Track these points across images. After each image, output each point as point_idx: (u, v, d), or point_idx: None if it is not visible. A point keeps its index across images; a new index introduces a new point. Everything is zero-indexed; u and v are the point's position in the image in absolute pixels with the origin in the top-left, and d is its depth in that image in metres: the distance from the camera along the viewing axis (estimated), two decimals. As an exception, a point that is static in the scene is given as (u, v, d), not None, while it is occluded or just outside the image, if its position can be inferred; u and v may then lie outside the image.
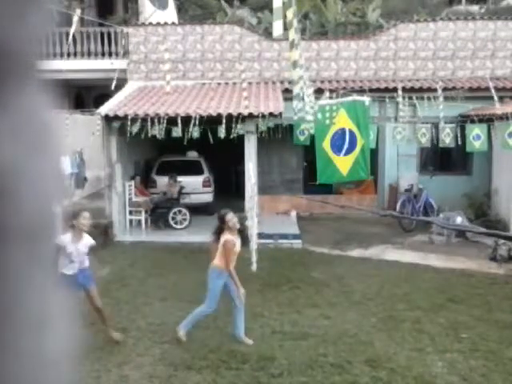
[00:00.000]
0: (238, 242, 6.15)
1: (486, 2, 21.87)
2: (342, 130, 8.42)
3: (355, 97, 9.04)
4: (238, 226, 6.17)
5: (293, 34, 4.77)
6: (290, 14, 4.20)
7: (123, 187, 12.39)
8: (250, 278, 7.57)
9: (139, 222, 12.79)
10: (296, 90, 5.50)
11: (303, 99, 6.71)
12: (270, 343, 6.17)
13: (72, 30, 8.14)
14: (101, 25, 14.50)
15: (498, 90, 13.16)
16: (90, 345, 5.94)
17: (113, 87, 11.91)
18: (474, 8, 21.27)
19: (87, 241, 5.89)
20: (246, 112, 11.04)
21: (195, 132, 11.18)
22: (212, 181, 14.13)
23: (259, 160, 12.57)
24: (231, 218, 6.06)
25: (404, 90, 12.64)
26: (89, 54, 14.79)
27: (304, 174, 14.90)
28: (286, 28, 15.66)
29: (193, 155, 14.36)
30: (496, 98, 11.09)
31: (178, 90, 13.73)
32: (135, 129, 11.24)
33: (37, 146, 0.43)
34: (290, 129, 12.18)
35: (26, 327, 0.42)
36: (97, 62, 14.70)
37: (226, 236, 6.03)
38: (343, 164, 8.54)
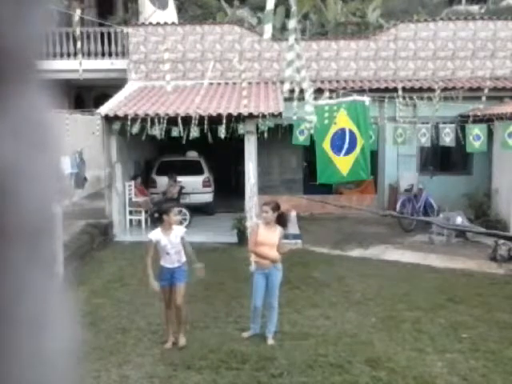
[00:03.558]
0: (264, 230, 6.18)
1: (486, 2, 21.86)
2: (342, 130, 8.41)
3: (355, 97, 9.02)
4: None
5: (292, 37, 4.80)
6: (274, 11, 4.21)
7: (123, 187, 12.39)
8: (249, 277, 7.57)
9: (139, 221, 12.79)
10: (285, 88, 5.54)
11: (298, 99, 6.71)
12: (270, 343, 6.17)
13: (77, 31, 8.13)
14: (101, 25, 14.50)
15: (498, 90, 13.19)
16: (90, 345, 5.95)
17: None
18: (474, 8, 21.27)
19: (177, 231, 6.16)
20: (245, 112, 11.04)
21: (195, 132, 11.17)
22: (212, 181, 14.13)
23: (259, 160, 12.57)
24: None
25: (404, 89, 12.63)
26: (89, 54, 14.79)
27: (304, 174, 14.90)
28: (284, 28, 15.65)
29: (193, 155, 14.35)
30: (484, 98, 11.18)
31: (178, 90, 13.73)
32: (135, 129, 11.24)
33: (37, 145, 0.43)
34: (289, 129, 12.17)
35: (26, 327, 0.42)
36: (97, 61, 14.70)
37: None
38: (343, 164, 8.52)
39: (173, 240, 6.05)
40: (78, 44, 8.31)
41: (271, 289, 6.20)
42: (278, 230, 6.20)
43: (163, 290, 6.10)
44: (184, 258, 6.19)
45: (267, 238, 6.11)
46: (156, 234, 6.09)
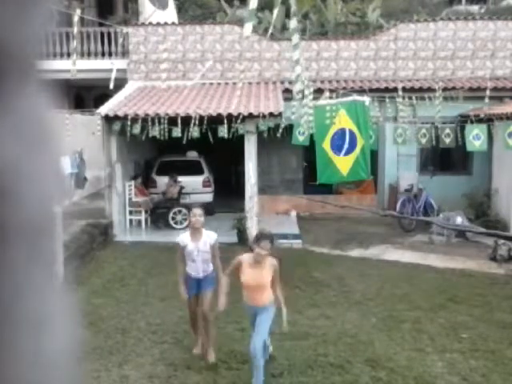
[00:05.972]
0: (250, 269, 4.95)
1: (486, 2, 21.87)
2: (342, 130, 8.41)
3: (355, 97, 9.02)
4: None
5: (296, 37, 4.80)
6: (275, 12, 4.22)
7: (123, 187, 12.39)
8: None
9: (139, 221, 12.79)
10: (296, 88, 5.51)
11: (303, 99, 6.70)
12: (270, 343, 6.17)
13: (75, 31, 8.16)
14: (101, 25, 14.50)
15: (498, 90, 13.18)
16: (90, 345, 5.95)
17: (111, 87, 11.93)
18: (474, 8, 21.27)
19: (208, 237, 5.43)
20: (246, 112, 11.04)
21: (195, 132, 11.17)
22: (212, 181, 14.13)
23: (259, 160, 12.56)
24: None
25: (404, 90, 12.63)
26: (89, 54, 14.79)
27: (304, 174, 14.90)
28: (285, 28, 15.65)
29: (193, 155, 14.35)
30: (487, 99, 11.18)
31: (178, 89, 13.73)
32: (135, 129, 11.24)
33: (37, 145, 0.43)
34: (290, 129, 12.19)
35: (26, 327, 0.42)
36: (97, 62, 14.70)
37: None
38: (343, 164, 8.52)
39: (201, 247, 5.40)
40: (74, 43, 8.31)
41: (258, 326, 5.01)
42: (269, 263, 4.94)
43: (188, 300, 5.61)
44: (211, 267, 5.53)
45: (254, 279, 4.94)
46: (184, 238, 5.47)
